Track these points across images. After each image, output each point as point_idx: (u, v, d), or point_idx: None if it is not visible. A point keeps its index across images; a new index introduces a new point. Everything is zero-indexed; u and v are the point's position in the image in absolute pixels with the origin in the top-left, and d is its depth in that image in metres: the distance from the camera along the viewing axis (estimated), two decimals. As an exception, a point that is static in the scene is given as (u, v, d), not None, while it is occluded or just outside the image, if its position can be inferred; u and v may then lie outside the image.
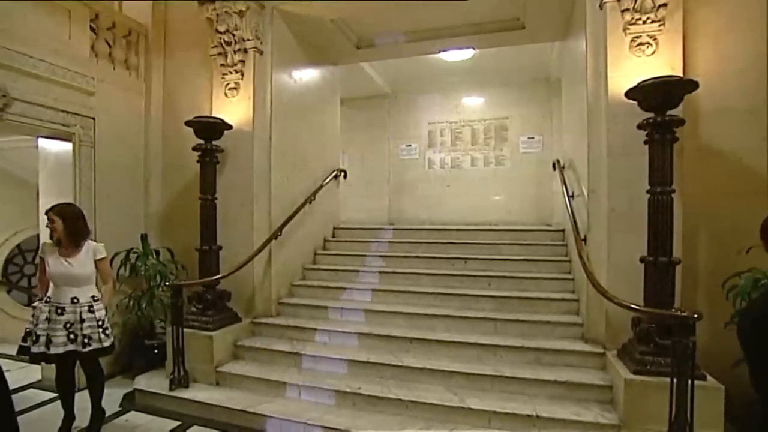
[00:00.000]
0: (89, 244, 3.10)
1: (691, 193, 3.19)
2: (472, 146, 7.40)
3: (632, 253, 3.03)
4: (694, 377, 2.44)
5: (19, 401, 3.34)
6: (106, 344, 3.04)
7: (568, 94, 5.34)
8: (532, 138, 7.08)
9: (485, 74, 6.91)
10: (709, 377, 2.70)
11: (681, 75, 3.07)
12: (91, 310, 2.99)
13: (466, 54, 5.93)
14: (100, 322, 3.02)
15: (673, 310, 2.63)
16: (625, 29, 3.24)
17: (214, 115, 4.25)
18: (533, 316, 3.86)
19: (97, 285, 3.18)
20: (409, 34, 5.19)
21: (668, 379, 2.51)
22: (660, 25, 3.18)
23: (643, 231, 2.93)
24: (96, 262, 3.09)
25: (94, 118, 4.22)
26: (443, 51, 5.66)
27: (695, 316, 2.43)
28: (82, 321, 2.95)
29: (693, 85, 2.76)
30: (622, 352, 3.11)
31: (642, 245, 2.94)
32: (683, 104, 2.89)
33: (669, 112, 2.79)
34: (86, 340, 2.94)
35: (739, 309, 2.69)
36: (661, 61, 3.18)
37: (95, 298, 3.05)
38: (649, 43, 3.21)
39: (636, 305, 2.83)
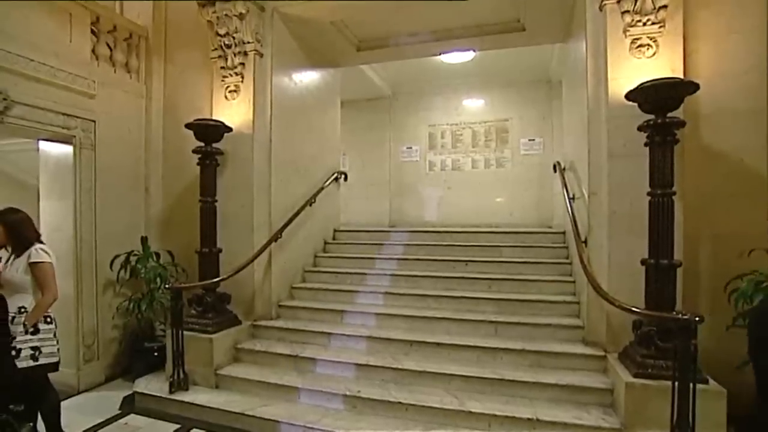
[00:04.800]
0: (30, 249, 2.76)
1: (693, 195, 3.17)
2: (473, 148, 7.39)
3: (633, 256, 3.01)
4: (696, 380, 2.42)
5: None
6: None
7: (568, 96, 5.34)
8: (533, 140, 7.08)
9: (486, 76, 6.92)
10: (711, 380, 2.68)
11: (681, 77, 3.06)
12: (12, 323, 2.66)
13: (467, 56, 5.94)
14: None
15: (674, 312, 2.61)
16: (625, 31, 3.24)
17: (214, 117, 4.26)
18: (534, 318, 3.85)
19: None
20: (409, 36, 5.18)
21: (670, 383, 2.49)
22: (660, 27, 3.17)
23: (644, 233, 2.92)
24: (30, 267, 2.72)
25: (94, 121, 4.23)
26: (444, 53, 5.66)
27: (697, 318, 2.41)
28: None
29: (693, 87, 2.75)
30: (623, 355, 3.10)
31: (643, 247, 2.92)
32: (684, 106, 2.88)
33: (669, 114, 2.78)
34: None
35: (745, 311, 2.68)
36: (661, 63, 3.17)
37: (22, 310, 2.69)
38: (649, 45, 3.20)
39: (637, 308, 2.82)
